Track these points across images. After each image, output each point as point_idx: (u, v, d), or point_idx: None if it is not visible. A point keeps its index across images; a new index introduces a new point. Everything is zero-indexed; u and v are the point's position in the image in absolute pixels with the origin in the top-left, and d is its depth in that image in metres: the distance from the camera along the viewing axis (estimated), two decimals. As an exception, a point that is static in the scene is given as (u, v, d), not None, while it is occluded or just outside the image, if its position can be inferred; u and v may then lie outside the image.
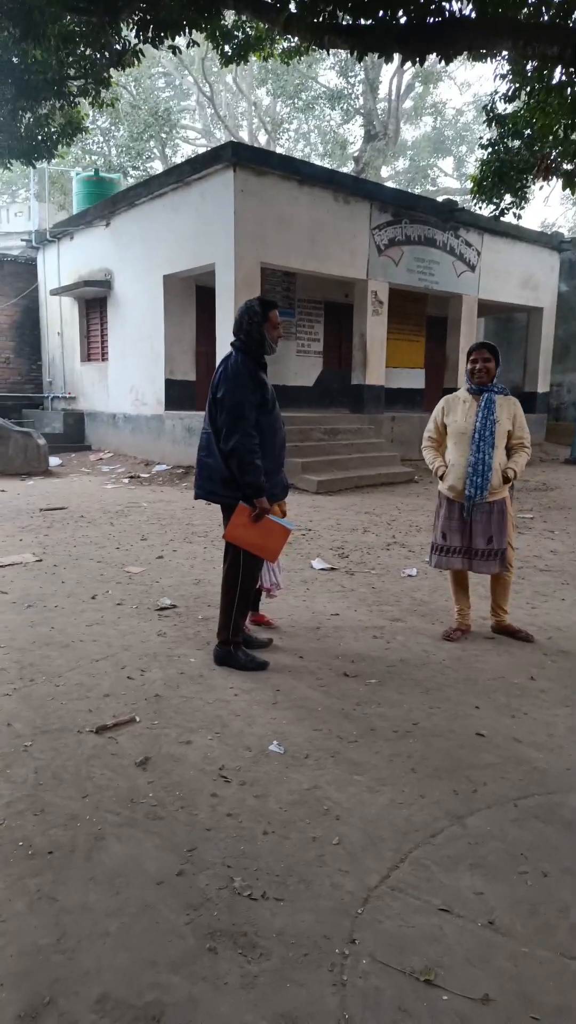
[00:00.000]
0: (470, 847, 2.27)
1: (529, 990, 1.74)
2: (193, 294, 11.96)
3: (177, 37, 7.41)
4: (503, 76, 8.53)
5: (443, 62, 6.77)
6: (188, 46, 7.98)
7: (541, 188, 9.43)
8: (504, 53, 7.67)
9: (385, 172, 29.99)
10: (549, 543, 6.67)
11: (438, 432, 4.13)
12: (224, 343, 10.29)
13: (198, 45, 8.50)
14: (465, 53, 7.05)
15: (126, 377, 12.84)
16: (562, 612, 4.65)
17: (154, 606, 4.58)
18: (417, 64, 6.95)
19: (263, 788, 2.55)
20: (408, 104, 29.24)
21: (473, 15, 6.74)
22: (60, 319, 14.84)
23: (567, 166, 8.71)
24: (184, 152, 28.57)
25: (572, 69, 6.86)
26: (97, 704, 3.18)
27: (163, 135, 26.15)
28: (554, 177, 8.69)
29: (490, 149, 9.77)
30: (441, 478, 4.07)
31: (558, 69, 7.11)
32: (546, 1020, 1.66)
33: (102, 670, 3.56)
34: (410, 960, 1.82)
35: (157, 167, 25.86)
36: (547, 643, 4.09)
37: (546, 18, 7.05)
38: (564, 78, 7.08)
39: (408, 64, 11.25)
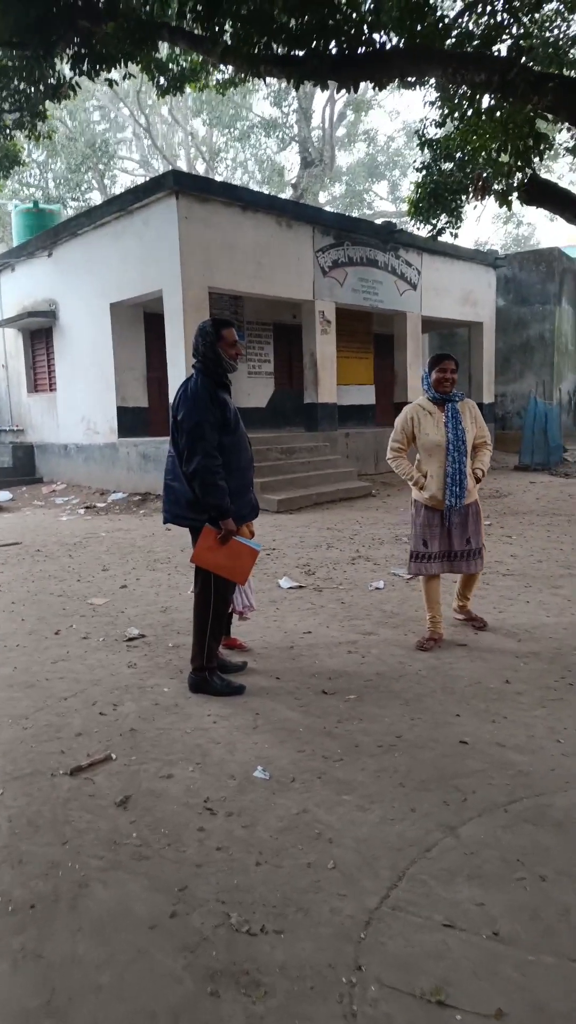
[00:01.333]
0: (466, 857, 2.24)
1: (540, 999, 1.71)
2: (142, 320, 11.91)
3: (113, 70, 7.44)
4: (432, 103, 8.81)
5: (376, 89, 6.95)
6: (124, 78, 8.02)
7: (475, 207, 9.72)
8: (433, 81, 7.93)
9: (323, 197, 30.61)
10: (508, 548, 6.77)
11: (407, 442, 4.20)
12: (175, 368, 10.25)
13: (134, 77, 8.56)
14: (397, 80, 7.26)
15: (76, 406, 12.67)
16: (528, 614, 4.71)
17: (122, 637, 4.47)
18: (351, 91, 7.12)
19: (251, 817, 2.48)
20: (341, 132, 29.97)
21: (401, 45, 6.96)
22: (4, 351, 14.59)
23: (497, 186, 9.02)
24: (123, 183, 28.66)
25: (499, 94, 7.12)
26: (69, 744, 3.06)
27: (101, 166, 26.20)
28: (489, 196, 8.98)
29: (424, 172, 10.07)
30: (419, 488, 4.13)
31: (487, 95, 7.37)
32: (560, 1029, 1.63)
33: (72, 708, 3.44)
34: (419, 981, 1.77)
35: (96, 198, 25.86)
36: (518, 646, 4.12)
37: (470, 48, 7.33)
38: (493, 102, 7.34)
39: (341, 92, 11.52)
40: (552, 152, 8.95)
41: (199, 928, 1.97)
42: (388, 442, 4.32)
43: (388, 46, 6.97)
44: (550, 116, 6.44)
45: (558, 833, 2.35)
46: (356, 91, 7.04)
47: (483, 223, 45.91)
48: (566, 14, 7.86)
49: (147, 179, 11.94)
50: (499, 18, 7.17)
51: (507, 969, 1.80)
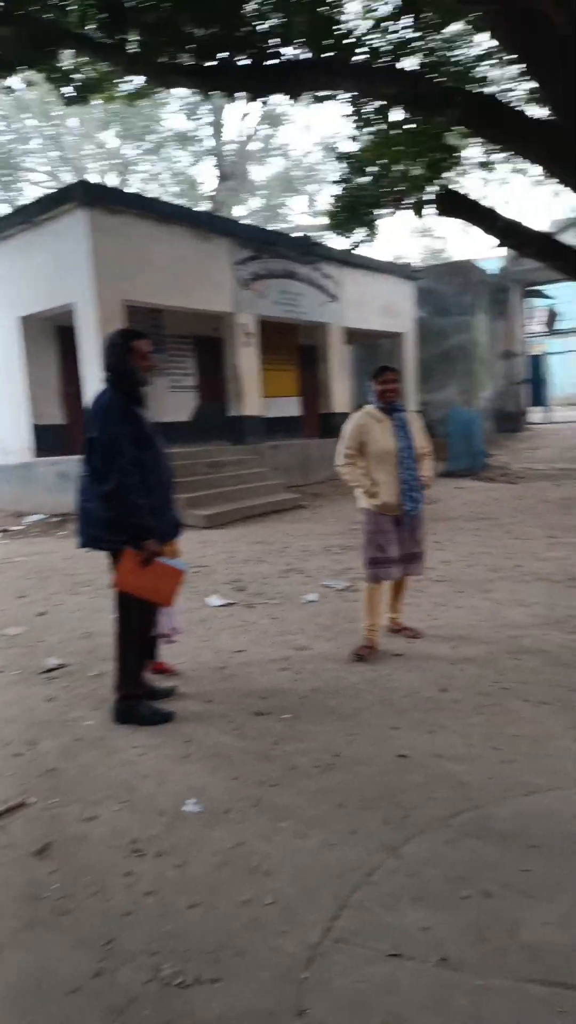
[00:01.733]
0: (409, 879, 2.15)
1: (493, 1028, 1.62)
2: (53, 335, 11.55)
3: (11, 76, 7.19)
4: (347, 116, 8.92)
5: (291, 100, 6.96)
6: (27, 86, 7.77)
7: (392, 218, 9.89)
8: (347, 95, 8.01)
9: (241, 211, 30.69)
10: (439, 554, 6.81)
11: (358, 449, 4.21)
12: (91, 384, 9.95)
13: (36, 85, 8.31)
14: (310, 93, 7.30)
15: (-14, 426, 12.13)
16: (461, 619, 4.71)
17: (39, 668, 4.21)
18: (262, 104, 7.11)
19: (183, 855, 2.32)
20: (256, 145, 30.16)
21: (309, 57, 7.00)
22: None
23: (411, 199, 9.20)
24: (31, 194, 27.92)
25: (410, 108, 7.24)
26: (-16, 788, 2.82)
27: (5, 178, 25.49)
28: (405, 208, 9.14)
29: (340, 186, 10.19)
30: (370, 496, 4.16)
31: (400, 108, 7.49)
32: (515, 1058, 1.55)
33: (-12, 747, 3.18)
34: (368, 1019, 1.66)
35: (1, 209, 25.08)
36: (452, 652, 4.10)
37: (380, 64, 7.45)
38: (405, 116, 7.47)
39: (254, 105, 11.53)
40: (461, 168, 9.23)
41: (127, 986, 1.80)
42: (337, 450, 4.31)
43: (299, 59, 7.00)
44: (462, 130, 6.61)
45: (501, 845, 2.29)
46: (265, 102, 7.03)
47: (400, 236, 47.11)
48: (471, 37, 8.11)
49: (56, 189, 11.63)
50: (407, 35, 7.32)
51: (458, 998, 1.71)
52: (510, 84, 8.15)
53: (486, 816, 2.46)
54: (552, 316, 17.82)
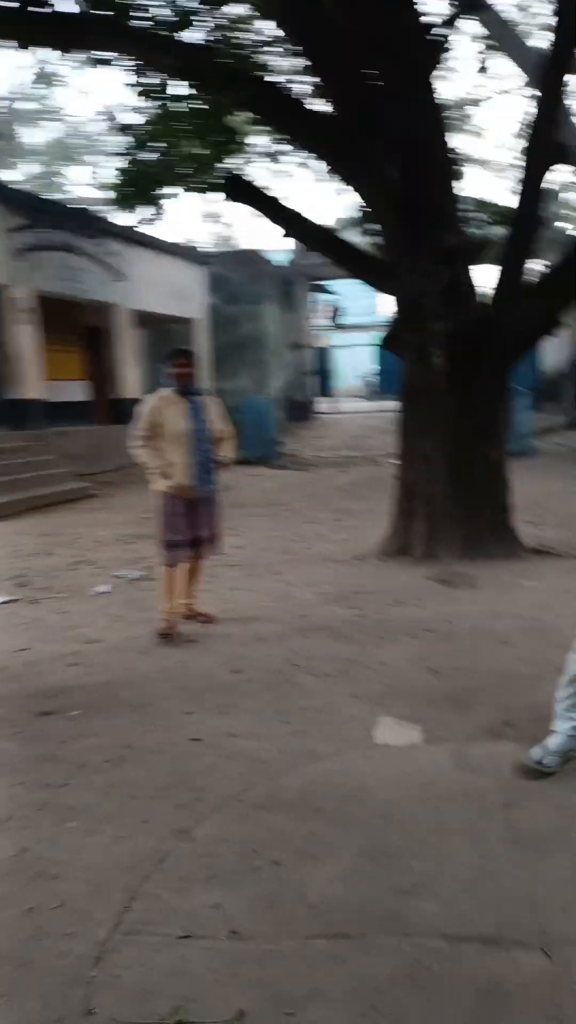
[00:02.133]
0: (201, 859, 2.17)
1: (281, 988, 1.69)
2: None
3: None
4: (129, 85, 8.59)
5: (61, 53, 6.51)
6: None
7: (178, 196, 9.75)
8: (129, 61, 7.69)
9: (14, 175, 28.48)
10: (233, 539, 6.91)
11: (152, 431, 4.15)
12: None
13: None
14: (86, 53, 6.88)
15: None
16: (254, 602, 4.85)
17: None
18: (34, 57, 6.60)
19: (-43, 872, 2.14)
20: (31, 105, 28.08)
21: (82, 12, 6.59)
22: None
23: (196, 180, 9.12)
24: None
25: (194, 85, 7.12)
26: None
27: None
28: (190, 188, 9.04)
29: (125, 160, 9.83)
30: (164, 477, 4.13)
31: (183, 84, 7.35)
32: (301, 1011, 1.63)
33: None
34: (157, 1006, 1.65)
35: None
36: (245, 634, 4.20)
37: (160, 31, 7.24)
38: (190, 93, 7.34)
39: (26, 57, 10.66)
40: (248, 156, 9.34)
41: None
42: (130, 432, 4.23)
43: (72, 13, 6.56)
44: (247, 115, 6.65)
45: (291, 813, 2.39)
46: (28, 49, 6.49)
47: (189, 220, 46.97)
48: (254, 21, 8.17)
49: None
50: (191, 6, 7.16)
51: (247, 967, 1.76)
52: (295, 76, 8.40)
53: (276, 787, 2.55)
54: (335, 311, 18.88)
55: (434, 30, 5.58)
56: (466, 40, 8.47)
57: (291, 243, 18.07)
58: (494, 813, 2.35)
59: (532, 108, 6.20)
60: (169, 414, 4.15)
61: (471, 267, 5.36)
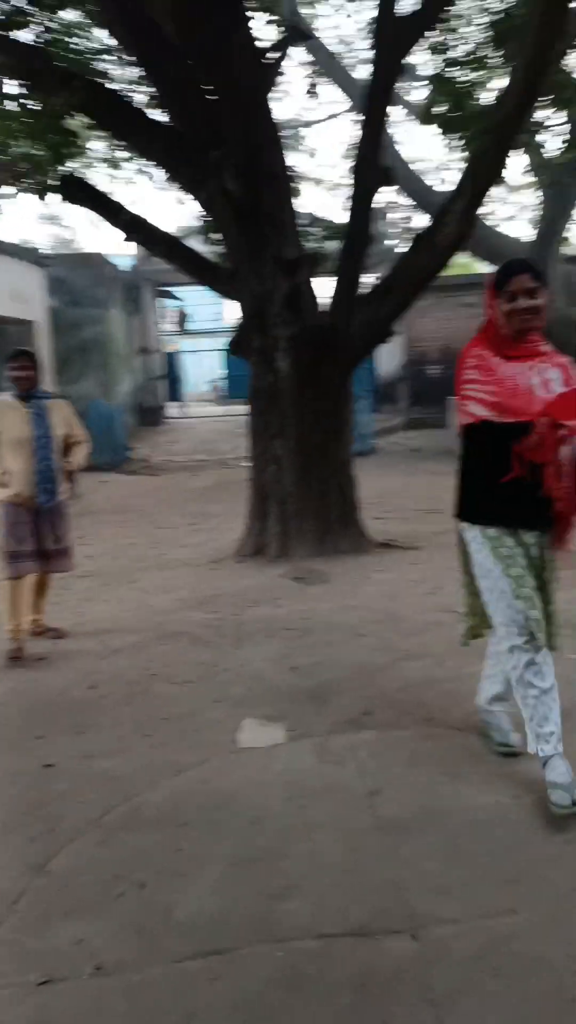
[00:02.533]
0: (59, 894, 2.02)
1: (153, 1020, 1.60)
2: None
3: None
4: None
5: None
6: None
7: (15, 195, 9.22)
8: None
9: None
10: (84, 549, 6.60)
11: None
12: None
13: None
14: None
15: None
16: (109, 612, 4.64)
17: None
18: None
19: None
20: None
21: None
22: None
23: (31, 181, 8.67)
24: None
25: (28, 85, 6.75)
26: None
27: None
28: (23, 188, 8.57)
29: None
30: (2, 485, 3.86)
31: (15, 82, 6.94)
32: (173, 1041, 1.55)
33: None
34: (13, 1067, 1.50)
35: None
36: (100, 646, 4.01)
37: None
38: (24, 92, 6.95)
39: None
40: (87, 160, 9.01)
41: None
42: None
43: None
44: (84, 119, 6.42)
45: (155, 831, 2.29)
46: None
47: (26, 220, 44.70)
48: (89, 29, 7.90)
49: None
50: (22, 5, 6.80)
51: (115, 1003, 1.64)
52: (131, 85, 8.22)
53: (138, 806, 2.44)
54: (183, 317, 18.72)
55: (267, 55, 5.69)
56: (296, 66, 8.72)
57: (135, 248, 17.71)
58: (358, 803, 2.39)
59: (358, 133, 6.50)
60: (8, 420, 3.89)
61: (311, 277, 5.49)
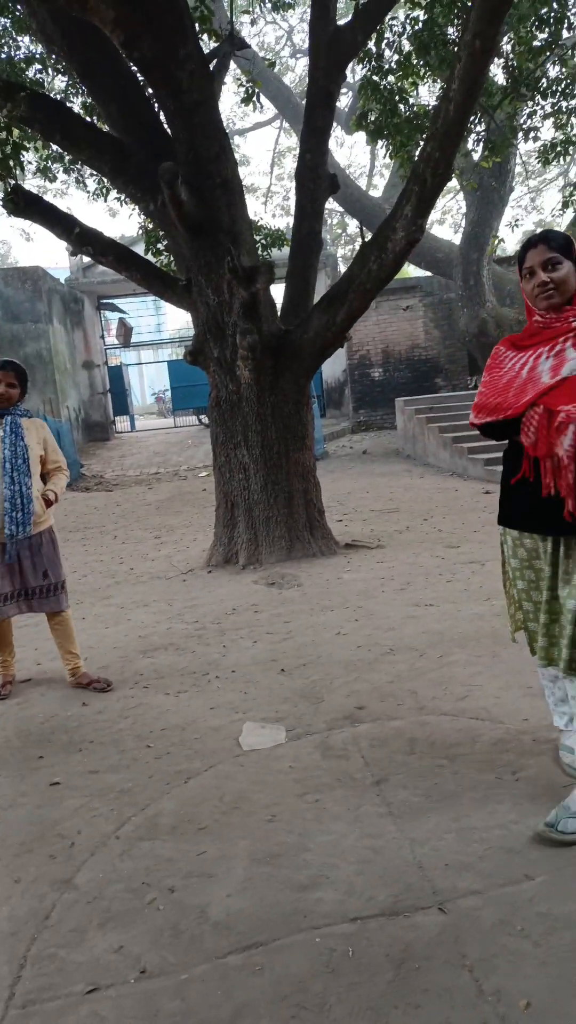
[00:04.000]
0: (91, 906, 2.03)
1: (205, 1015, 1.64)
2: None
3: None
4: None
5: None
6: None
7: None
8: None
9: None
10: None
11: None
12: None
13: None
14: None
15: None
16: (88, 630, 4.61)
17: None
18: None
19: None
20: None
21: None
22: None
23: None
24: None
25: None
26: None
27: None
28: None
29: None
30: None
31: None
32: (228, 1032, 1.60)
33: None
34: (75, 1075, 1.52)
35: None
36: (85, 664, 3.97)
37: None
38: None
39: None
40: (24, 172, 8.92)
41: None
42: None
43: None
44: (24, 131, 6.36)
45: (174, 837, 2.32)
46: None
47: (-50, 239, 43.46)
48: (14, 34, 7.85)
49: None
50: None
51: (165, 1003, 1.68)
52: (67, 94, 8.18)
53: (153, 815, 2.46)
54: (127, 329, 18.54)
55: (211, 64, 5.77)
56: (230, 76, 8.81)
57: (72, 260, 17.47)
58: (368, 792, 2.47)
59: (301, 142, 6.65)
60: None
61: (269, 286, 5.58)
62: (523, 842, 2.14)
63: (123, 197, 7.93)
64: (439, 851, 2.14)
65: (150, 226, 7.93)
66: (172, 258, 6.92)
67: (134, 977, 1.76)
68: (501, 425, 2.16)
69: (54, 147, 7.86)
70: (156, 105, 5.76)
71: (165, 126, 5.74)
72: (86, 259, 13.32)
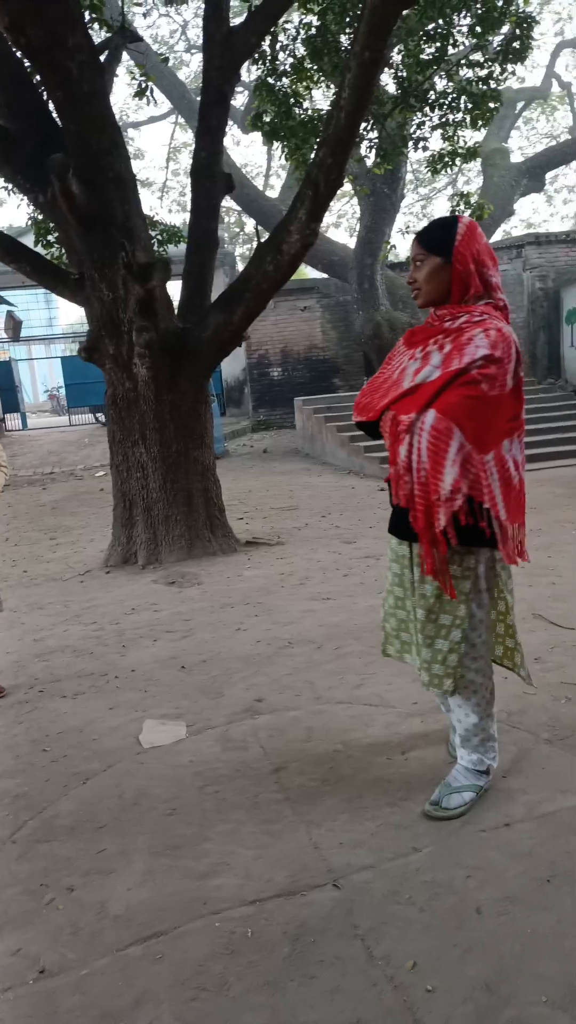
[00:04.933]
0: (-15, 913, 2.00)
1: (106, 1006, 1.66)
2: None
3: None
4: None
5: None
6: None
7: None
8: None
9: None
10: None
11: None
12: None
13: None
14: None
15: None
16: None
17: None
18: None
19: None
20: None
21: None
22: None
23: None
24: None
25: None
26: None
27: None
28: None
29: None
30: None
31: None
32: (131, 1019, 1.62)
33: None
34: (-30, 1081, 1.50)
35: None
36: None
37: None
38: None
39: None
40: None
41: None
42: None
43: None
44: None
45: (72, 837, 2.31)
46: None
47: None
48: None
49: None
50: None
51: (65, 999, 1.68)
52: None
53: (51, 817, 2.43)
54: (16, 323, 17.77)
55: (102, 56, 5.66)
56: (123, 69, 8.66)
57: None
58: (266, 780, 2.55)
59: (195, 139, 6.65)
60: None
61: (165, 282, 5.55)
62: (412, 817, 2.27)
63: (10, 187, 7.62)
64: (334, 831, 2.24)
65: (40, 218, 7.68)
66: (64, 251, 6.73)
67: (32, 977, 1.75)
68: (370, 425, 2.15)
69: None
70: (45, 94, 5.59)
71: (55, 116, 5.58)
72: (-29, 248, 12.70)
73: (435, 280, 2.03)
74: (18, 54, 5.42)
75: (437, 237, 2.03)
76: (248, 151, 58.66)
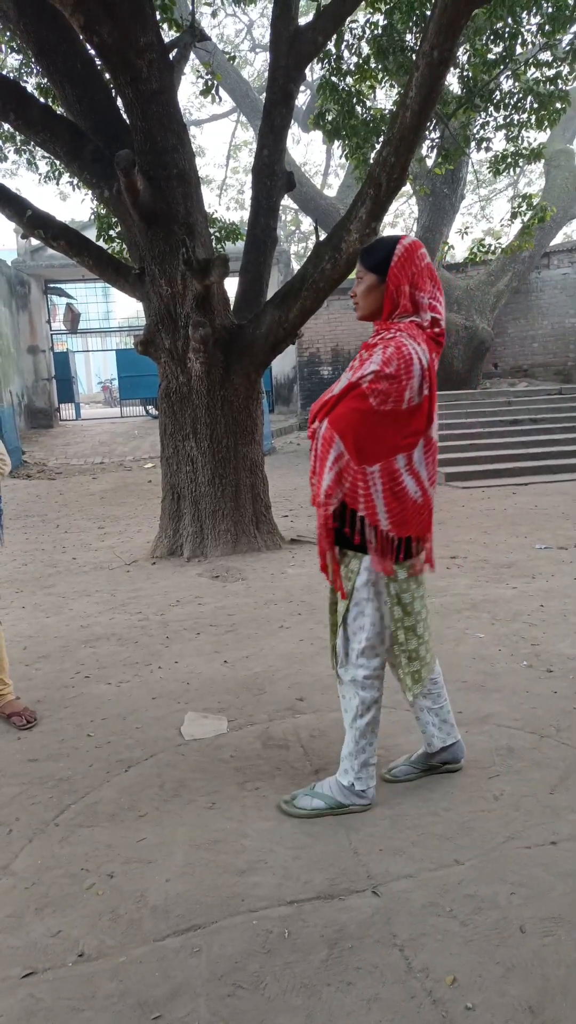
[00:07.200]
0: (27, 892, 2.03)
1: (143, 996, 1.67)
2: None
3: None
4: None
5: None
6: None
7: None
8: None
9: None
10: (-13, 557, 6.40)
11: None
12: None
13: None
14: None
15: None
16: (29, 619, 4.54)
17: None
18: None
19: None
20: None
21: None
22: None
23: None
24: None
25: None
26: None
27: None
28: None
29: None
30: None
31: None
32: (166, 1011, 1.63)
33: None
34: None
35: None
36: (25, 654, 3.93)
37: None
38: None
39: None
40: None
41: None
42: None
43: None
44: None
45: (113, 824, 2.33)
46: None
47: None
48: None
49: None
50: None
51: (103, 985, 1.70)
52: (20, 73, 7.97)
53: (93, 803, 2.47)
54: (75, 315, 18.14)
55: (171, 55, 5.72)
56: (189, 67, 8.74)
57: (17, 243, 16.99)
58: (306, 780, 2.53)
59: (259, 138, 6.67)
60: None
61: (223, 279, 5.58)
62: (454, 828, 2.23)
63: (76, 181, 7.76)
64: (373, 837, 2.21)
65: (103, 212, 7.81)
66: (125, 246, 6.82)
67: (72, 960, 1.78)
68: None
69: (6, 126, 7.65)
70: (114, 91, 5.67)
71: (123, 113, 5.65)
72: (34, 242, 12.99)
73: (370, 297, 2.14)
74: (91, 52, 5.52)
75: (376, 256, 2.11)
76: (308, 149, 58.73)
